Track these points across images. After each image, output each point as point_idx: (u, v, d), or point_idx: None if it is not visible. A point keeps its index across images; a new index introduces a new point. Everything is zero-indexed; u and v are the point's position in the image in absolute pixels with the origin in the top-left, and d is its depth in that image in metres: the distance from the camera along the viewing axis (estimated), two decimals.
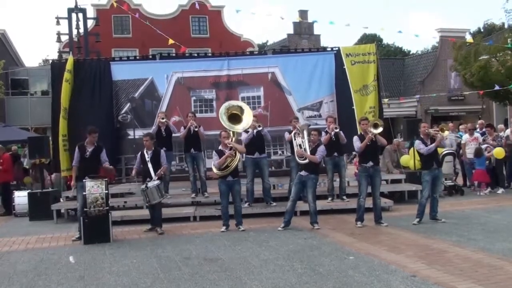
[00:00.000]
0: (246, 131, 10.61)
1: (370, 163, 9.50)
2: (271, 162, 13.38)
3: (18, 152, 17.09)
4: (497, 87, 21.31)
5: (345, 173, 11.73)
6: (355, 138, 9.77)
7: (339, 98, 13.57)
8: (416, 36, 27.69)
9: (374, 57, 13.82)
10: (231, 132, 9.83)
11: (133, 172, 10.17)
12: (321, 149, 9.53)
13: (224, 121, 10.05)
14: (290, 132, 10.86)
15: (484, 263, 6.55)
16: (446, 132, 9.96)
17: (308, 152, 9.28)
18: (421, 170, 9.92)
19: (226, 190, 9.56)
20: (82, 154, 9.45)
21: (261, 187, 11.24)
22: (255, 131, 10.70)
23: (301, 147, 9.37)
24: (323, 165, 11.91)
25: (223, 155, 9.33)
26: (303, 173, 9.43)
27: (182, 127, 11.66)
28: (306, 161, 9.28)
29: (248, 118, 10.27)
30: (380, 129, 9.48)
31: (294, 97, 13.66)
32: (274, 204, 11.24)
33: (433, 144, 9.45)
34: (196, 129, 11.31)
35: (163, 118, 11.48)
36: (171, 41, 16.10)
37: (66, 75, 12.92)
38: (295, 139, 9.53)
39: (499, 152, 13.38)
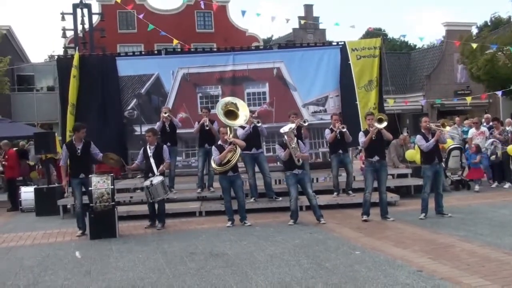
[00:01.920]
0: (242, 127, 10.59)
1: (376, 158, 9.47)
2: (275, 157, 13.37)
3: (25, 148, 17.16)
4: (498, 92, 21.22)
5: (352, 169, 11.69)
6: (361, 133, 9.78)
7: (343, 93, 13.53)
8: (420, 39, 27.58)
9: (379, 51, 13.75)
10: (228, 128, 9.81)
11: (132, 165, 10.20)
12: (302, 146, 9.66)
13: (222, 117, 10.02)
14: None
15: (491, 258, 6.52)
16: (448, 128, 9.91)
17: (300, 152, 9.37)
18: (422, 164, 9.89)
19: (227, 186, 9.57)
20: (73, 152, 9.42)
21: (263, 183, 11.25)
22: (251, 126, 10.67)
23: (295, 151, 9.34)
24: (328, 160, 11.96)
25: (223, 150, 9.35)
26: (296, 171, 9.44)
27: (197, 123, 11.65)
28: (301, 162, 9.40)
29: (244, 112, 10.24)
30: (385, 124, 9.43)
31: (299, 92, 13.61)
32: (280, 198, 11.24)
33: (432, 140, 9.42)
34: (208, 127, 11.28)
35: (166, 113, 11.44)
36: (176, 42, 16.04)
37: (74, 71, 12.94)
38: (289, 145, 9.38)
39: None
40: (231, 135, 9.67)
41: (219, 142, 9.61)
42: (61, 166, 9.84)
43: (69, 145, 9.58)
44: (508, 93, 27.35)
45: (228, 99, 10.61)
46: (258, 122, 10.77)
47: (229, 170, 9.45)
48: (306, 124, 11.17)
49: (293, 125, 9.74)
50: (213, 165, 9.64)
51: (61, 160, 9.83)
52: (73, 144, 9.48)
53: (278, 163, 13.31)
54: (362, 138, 9.60)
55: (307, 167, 10.63)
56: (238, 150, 9.52)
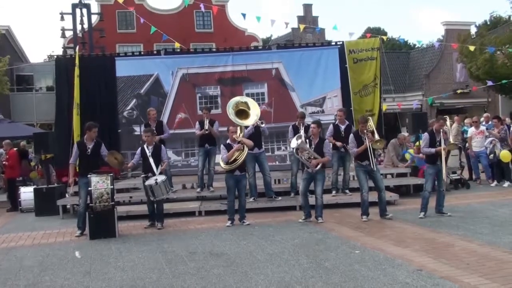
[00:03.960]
0: (245, 126, 10.62)
1: (366, 162, 9.47)
2: (275, 157, 13.41)
3: (26, 148, 17.16)
4: (490, 83, 21.05)
5: (349, 167, 11.71)
6: (351, 137, 9.72)
7: (342, 94, 13.58)
8: (419, 43, 27.23)
9: (377, 53, 13.74)
10: (238, 128, 9.82)
11: (129, 164, 10.24)
12: (327, 145, 9.59)
13: (233, 116, 10.01)
14: (293, 127, 11.00)
15: (490, 257, 6.52)
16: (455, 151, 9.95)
17: (318, 158, 9.29)
18: (425, 163, 9.90)
19: (233, 185, 9.58)
20: (83, 151, 9.40)
21: (262, 182, 11.29)
22: (253, 126, 10.67)
23: (309, 160, 9.32)
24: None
25: (231, 149, 9.36)
26: (311, 170, 9.43)
27: (197, 122, 11.65)
28: (319, 167, 9.32)
29: (255, 111, 10.24)
30: (378, 145, 9.49)
31: (298, 93, 13.66)
32: (279, 198, 11.26)
33: (432, 150, 9.44)
34: (208, 131, 11.24)
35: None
36: (178, 45, 16.03)
37: (77, 71, 12.96)
38: (301, 157, 9.40)
39: (505, 156, 13.26)
40: (241, 134, 9.69)
41: (228, 141, 9.62)
42: (70, 164, 9.77)
43: (80, 143, 9.56)
44: (507, 92, 27.35)
45: (237, 98, 10.62)
46: (262, 123, 10.79)
47: (235, 169, 9.46)
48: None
49: (299, 141, 9.43)
50: (221, 163, 9.65)
51: (71, 159, 9.72)
52: (85, 143, 9.46)
53: (277, 162, 13.35)
54: (352, 144, 9.58)
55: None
56: (246, 150, 9.53)
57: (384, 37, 14.41)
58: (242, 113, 10.09)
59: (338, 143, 11.13)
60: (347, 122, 11.49)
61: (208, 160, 11.53)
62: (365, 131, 9.49)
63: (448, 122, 9.78)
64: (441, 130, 9.56)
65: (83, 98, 13.07)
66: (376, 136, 9.56)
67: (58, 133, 13.36)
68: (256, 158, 10.99)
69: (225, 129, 11.62)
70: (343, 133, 11.17)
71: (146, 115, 13.27)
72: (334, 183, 11.63)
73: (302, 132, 9.89)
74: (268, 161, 11.76)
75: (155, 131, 11.29)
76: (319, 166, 9.32)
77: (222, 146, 9.68)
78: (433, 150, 9.44)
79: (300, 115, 11.26)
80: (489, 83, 20.45)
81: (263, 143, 11.43)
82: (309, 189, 9.70)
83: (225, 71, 13.75)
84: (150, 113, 11.75)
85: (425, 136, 9.75)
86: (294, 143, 9.48)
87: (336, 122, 11.41)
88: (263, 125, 10.79)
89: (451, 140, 9.88)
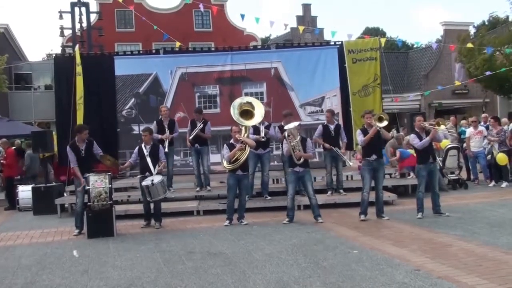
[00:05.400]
0: (256, 128, 10.60)
1: (374, 157, 9.47)
2: (273, 157, 13.40)
3: (22, 146, 17.12)
4: (485, 75, 21.00)
5: (341, 167, 11.72)
6: (358, 131, 9.78)
7: (341, 93, 13.57)
8: (416, 43, 27.04)
9: (377, 53, 13.72)
10: (243, 128, 9.81)
11: (126, 164, 10.22)
12: (310, 145, 9.67)
13: (237, 116, 9.98)
14: (280, 127, 10.97)
15: (488, 257, 6.52)
16: (442, 127, 9.88)
17: (302, 152, 9.35)
18: (417, 164, 9.89)
19: (234, 184, 9.59)
20: (77, 153, 9.38)
21: (260, 181, 11.38)
22: (258, 139, 10.69)
23: (294, 150, 9.34)
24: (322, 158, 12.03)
25: (234, 149, 9.38)
26: (298, 169, 9.45)
27: (189, 122, 11.68)
28: (302, 160, 9.37)
29: (260, 110, 10.20)
30: (385, 123, 9.43)
31: (297, 92, 13.65)
32: (269, 198, 11.30)
33: (427, 139, 9.38)
34: (194, 142, 11.29)
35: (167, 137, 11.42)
36: (178, 44, 15.98)
37: (78, 69, 12.93)
38: (289, 143, 9.42)
39: (501, 159, 13.28)
40: (245, 134, 9.69)
41: (231, 141, 9.64)
42: (73, 168, 9.55)
43: (73, 146, 9.51)
44: (505, 92, 27.38)
45: (240, 100, 10.56)
46: (263, 138, 10.81)
47: (237, 168, 9.46)
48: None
49: (297, 123, 9.72)
50: (224, 163, 9.66)
51: (71, 163, 9.61)
52: (77, 145, 9.44)
53: (276, 162, 13.34)
54: (360, 136, 9.59)
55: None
56: (247, 149, 9.53)
57: (383, 40, 14.32)
58: (247, 113, 10.05)
59: (327, 145, 11.25)
60: (336, 122, 11.66)
61: (201, 160, 11.54)
62: (370, 122, 9.49)
63: (426, 123, 9.76)
64: (421, 126, 9.56)
65: (84, 96, 13.05)
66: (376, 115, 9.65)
67: (58, 131, 13.33)
68: (259, 157, 11.04)
69: (220, 128, 11.68)
70: (333, 132, 11.32)
71: (147, 114, 13.36)
72: (329, 183, 11.67)
73: (297, 123, 9.90)
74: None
75: (166, 128, 11.32)
76: (302, 160, 9.34)
77: (225, 145, 9.73)
78: (427, 138, 9.39)
79: (285, 114, 11.28)
80: (487, 73, 20.40)
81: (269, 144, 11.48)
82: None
83: (224, 70, 13.73)
84: (161, 109, 11.80)
85: (412, 136, 9.77)
86: (292, 124, 9.54)
87: (325, 123, 11.44)
88: (263, 139, 10.78)
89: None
